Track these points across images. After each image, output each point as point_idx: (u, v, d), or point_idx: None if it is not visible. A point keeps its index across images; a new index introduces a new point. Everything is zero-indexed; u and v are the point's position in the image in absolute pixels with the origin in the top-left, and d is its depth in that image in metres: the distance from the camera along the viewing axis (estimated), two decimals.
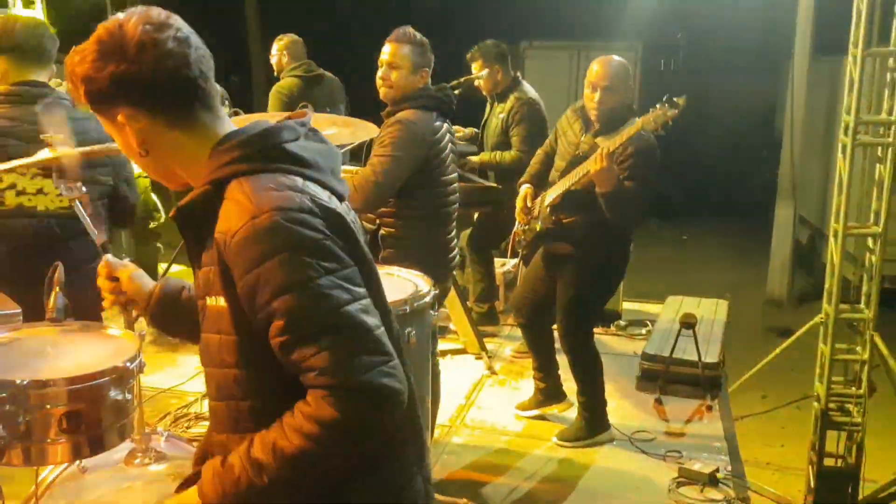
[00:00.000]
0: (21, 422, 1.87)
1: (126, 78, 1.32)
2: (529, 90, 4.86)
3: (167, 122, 1.37)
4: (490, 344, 4.94)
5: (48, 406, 1.93)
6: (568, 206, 3.55)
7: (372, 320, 1.28)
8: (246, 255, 1.25)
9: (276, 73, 5.63)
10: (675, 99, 3.13)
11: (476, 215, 5.11)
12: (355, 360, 1.23)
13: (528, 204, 3.75)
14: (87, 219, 2.09)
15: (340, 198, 1.46)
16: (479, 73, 4.79)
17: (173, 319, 1.77)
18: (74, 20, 7.52)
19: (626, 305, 5.63)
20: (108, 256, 1.86)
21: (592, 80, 3.44)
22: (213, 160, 1.36)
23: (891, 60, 4.04)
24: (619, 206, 3.31)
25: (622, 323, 5.39)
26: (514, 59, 5.09)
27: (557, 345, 3.83)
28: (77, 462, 2.17)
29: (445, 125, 3.19)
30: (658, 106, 3.16)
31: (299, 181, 1.34)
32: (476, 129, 5.15)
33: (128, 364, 2.00)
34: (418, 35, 3.10)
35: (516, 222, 3.84)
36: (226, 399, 1.41)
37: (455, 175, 3.30)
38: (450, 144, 3.22)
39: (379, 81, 3.10)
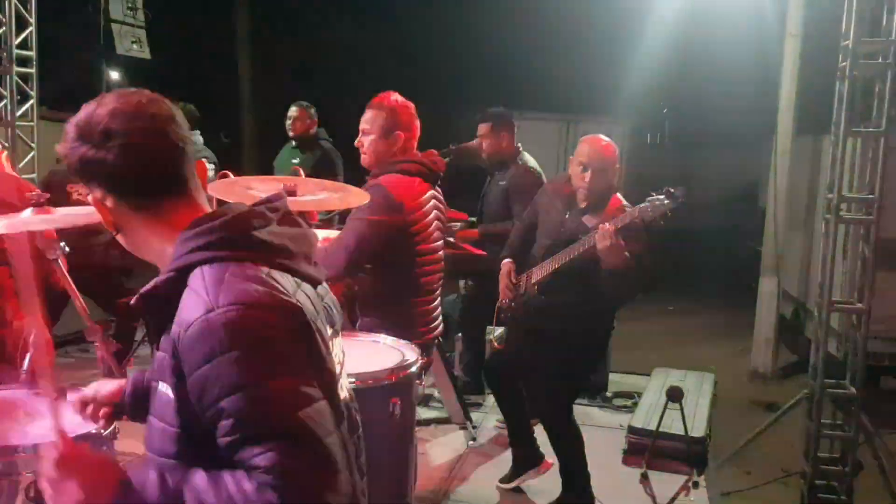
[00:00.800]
0: None
1: (92, 162, 1.33)
2: (531, 160, 4.86)
3: (133, 207, 1.38)
4: (475, 414, 4.87)
5: (16, 473, 1.88)
6: (556, 284, 3.56)
7: (324, 428, 1.23)
8: (198, 349, 1.22)
9: (293, 135, 5.77)
10: (672, 191, 3.12)
11: (464, 283, 5.10)
12: (300, 470, 1.18)
13: (513, 280, 3.75)
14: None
15: (314, 282, 1.44)
16: (472, 142, 4.82)
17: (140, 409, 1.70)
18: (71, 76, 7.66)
19: (613, 377, 5.59)
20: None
21: (584, 160, 3.47)
22: (179, 246, 1.34)
23: (871, 140, 4.13)
24: (622, 284, 3.31)
25: (608, 395, 5.34)
26: None
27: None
28: None
29: (431, 192, 3.18)
30: (656, 195, 3.15)
31: (264, 271, 1.32)
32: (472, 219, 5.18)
33: (102, 431, 1.96)
34: (393, 99, 3.09)
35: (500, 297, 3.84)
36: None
37: (440, 243, 3.26)
38: (434, 212, 3.19)
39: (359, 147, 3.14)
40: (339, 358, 1.53)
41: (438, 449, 4.38)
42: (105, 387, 1.74)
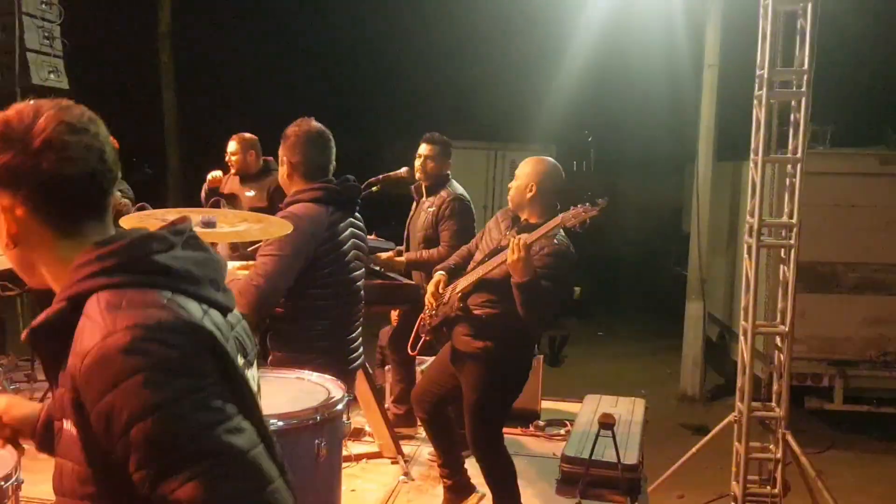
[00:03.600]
0: None
1: (20, 170, 1.22)
2: (459, 188, 4.85)
3: (46, 222, 1.26)
4: (407, 447, 4.75)
5: None
6: (479, 295, 3.51)
7: (243, 442, 1.15)
8: (98, 378, 1.12)
9: (234, 172, 5.59)
10: (597, 200, 3.17)
11: (396, 314, 5.00)
12: (226, 488, 1.10)
13: (440, 290, 3.67)
14: None
15: (223, 309, 1.34)
16: (399, 171, 4.77)
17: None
18: None
19: (545, 404, 5.56)
20: None
21: (520, 175, 3.49)
22: (72, 273, 1.24)
23: (788, 166, 4.26)
24: (532, 301, 3.27)
25: (541, 423, 5.29)
26: None
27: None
28: None
29: (349, 220, 3.08)
30: (580, 205, 3.19)
31: (166, 296, 1.22)
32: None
33: (1, 483, 1.80)
34: (302, 127, 3.00)
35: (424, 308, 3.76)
36: None
37: (359, 273, 3.17)
38: (352, 240, 3.10)
39: None
40: (254, 390, 1.42)
41: (369, 485, 4.25)
42: (17, 407, 1.57)
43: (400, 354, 4.99)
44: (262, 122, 6.16)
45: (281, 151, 3.00)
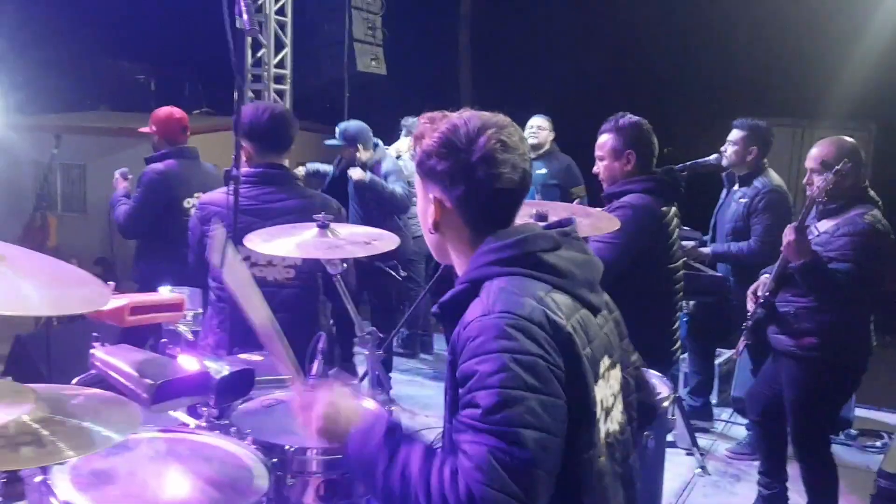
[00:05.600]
0: (286, 485, 2.03)
1: (457, 175, 1.47)
2: (775, 177, 4.58)
3: (465, 220, 1.50)
4: (703, 441, 4.69)
5: (308, 472, 2.08)
6: (786, 290, 3.38)
7: (539, 458, 1.27)
8: (469, 346, 1.34)
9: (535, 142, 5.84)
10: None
11: (689, 304, 4.91)
12: (496, 477, 1.24)
13: (760, 291, 3.55)
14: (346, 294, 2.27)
15: (593, 310, 1.49)
16: (710, 157, 4.63)
17: None
18: (319, 92, 8.33)
19: (859, 412, 5.13)
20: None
21: (811, 163, 3.33)
22: (474, 259, 1.47)
23: None
24: (815, 285, 3.17)
25: (853, 432, 4.91)
26: None
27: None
28: None
29: (673, 209, 3.12)
30: None
31: (543, 290, 1.40)
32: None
33: None
34: (624, 119, 3.08)
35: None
36: None
37: (681, 262, 3.22)
38: (676, 231, 3.15)
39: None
40: (615, 390, 1.55)
41: (665, 474, 4.27)
42: (347, 400, 1.55)
43: (699, 345, 4.91)
44: (554, 107, 6.29)
45: (612, 141, 3.08)
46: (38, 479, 1.70)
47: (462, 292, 1.46)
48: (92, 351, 2.04)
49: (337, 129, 5.51)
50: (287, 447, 2.04)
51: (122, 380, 1.92)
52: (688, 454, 4.49)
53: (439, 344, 6.23)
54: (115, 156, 4.45)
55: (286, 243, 2.53)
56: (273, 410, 2.28)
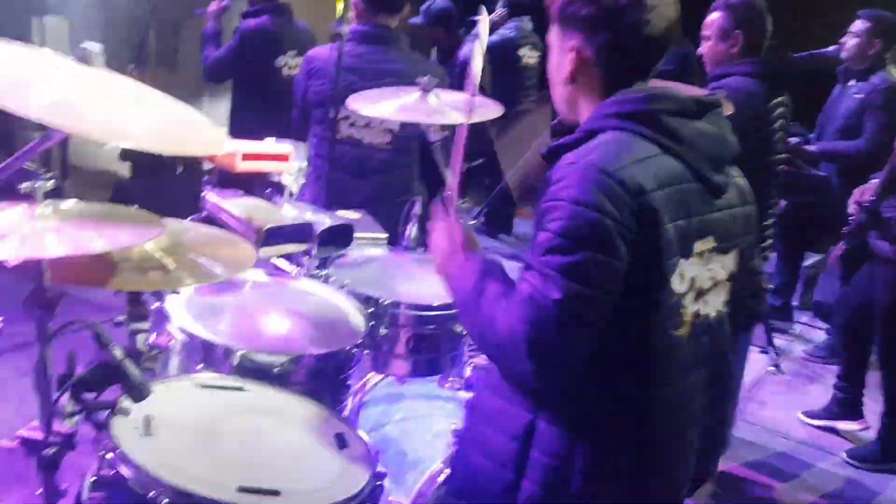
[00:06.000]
0: (379, 334, 2.14)
1: (603, 20, 1.41)
2: None
3: (604, 70, 1.45)
4: (779, 341, 4.66)
5: (400, 325, 2.18)
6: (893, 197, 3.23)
7: (573, 307, 1.28)
8: (554, 185, 1.34)
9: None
10: None
11: (788, 204, 4.75)
12: (533, 316, 1.28)
13: (867, 196, 3.40)
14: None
15: (715, 190, 1.45)
16: (830, 48, 4.34)
17: None
18: None
19: None
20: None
21: None
22: (595, 110, 1.44)
23: None
24: None
25: None
26: None
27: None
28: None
29: (781, 98, 2.96)
30: None
31: (650, 151, 1.36)
32: None
33: None
34: None
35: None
36: None
37: (782, 157, 3.09)
38: (781, 122, 2.99)
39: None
40: (717, 275, 1.50)
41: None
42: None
43: (789, 246, 4.80)
44: None
45: (721, 20, 2.90)
46: (156, 305, 1.84)
47: (575, 139, 1.43)
48: (204, 193, 2.14)
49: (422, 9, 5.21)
50: (381, 300, 2.13)
51: (232, 222, 2.02)
52: (762, 352, 4.48)
53: (522, 228, 6.28)
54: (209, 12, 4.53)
55: (387, 106, 2.53)
56: (368, 265, 2.37)
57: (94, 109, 1.34)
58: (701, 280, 1.46)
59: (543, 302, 1.28)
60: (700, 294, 1.47)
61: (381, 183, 3.01)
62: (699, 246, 1.44)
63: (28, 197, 1.37)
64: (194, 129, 1.57)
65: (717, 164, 1.46)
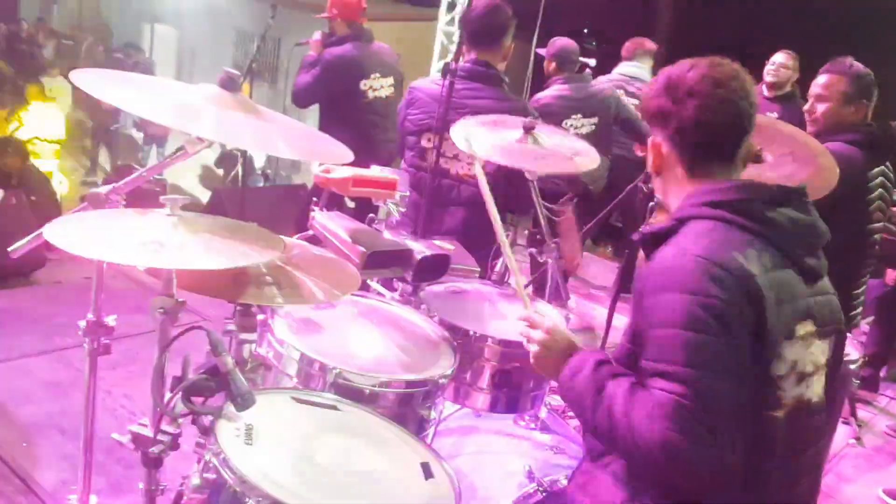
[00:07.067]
0: (465, 365, 2.16)
1: (668, 113, 1.50)
2: None
3: (681, 158, 1.53)
4: (863, 413, 4.49)
5: (486, 358, 2.20)
6: None
7: (723, 402, 1.28)
8: (655, 279, 1.37)
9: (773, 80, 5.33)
10: None
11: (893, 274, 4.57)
12: (685, 424, 1.26)
13: None
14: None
15: (810, 274, 1.47)
16: None
17: None
18: None
19: None
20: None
21: None
22: (686, 199, 1.49)
23: None
24: None
25: None
26: None
27: None
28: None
29: (881, 168, 2.92)
30: None
31: (746, 240, 1.39)
32: None
33: None
34: (857, 66, 2.92)
35: None
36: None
37: (880, 226, 3.01)
38: (880, 191, 2.93)
39: (806, 115, 2.98)
40: (817, 360, 1.50)
41: None
42: (562, 332, 1.66)
43: (887, 317, 4.62)
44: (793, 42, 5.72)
45: (844, 85, 2.90)
46: (261, 317, 1.91)
47: (667, 228, 1.47)
48: (312, 213, 2.22)
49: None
50: (471, 332, 2.15)
51: (336, 243, 2.09)
52: (844, 423, 4.32)
53: (595, 267, 6.24)
54: (309, 30, 4.69)
55: (485, 142, 2.55)
56: (459, 296, 2.40)
57: (245, 126, 1.45)
58: (802, 363, 1.47)
59: (696, 408, 1.27)
60: (802, 378, 1.47)
61: (466, 214, 3.06)
62: (800, 329, 1.45)
63: (162, 207, 1.47)
64: (322, 142, 1.69)
65: (811, 250, 1.49)
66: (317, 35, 4.54)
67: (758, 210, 1.43)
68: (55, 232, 1.40)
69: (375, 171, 2.25)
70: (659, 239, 1.47)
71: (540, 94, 4.69)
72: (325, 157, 1.74)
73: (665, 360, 1.32)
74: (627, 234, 5.05)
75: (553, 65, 4.77)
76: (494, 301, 2.45)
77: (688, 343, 1.30)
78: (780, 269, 1.42)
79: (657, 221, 1.62)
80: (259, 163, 7.73)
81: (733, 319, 1.32)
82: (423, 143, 3.02)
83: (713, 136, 1.50)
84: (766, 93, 5.31)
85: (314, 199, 2.24)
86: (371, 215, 2.29)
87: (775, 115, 5.20)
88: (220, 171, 7.95)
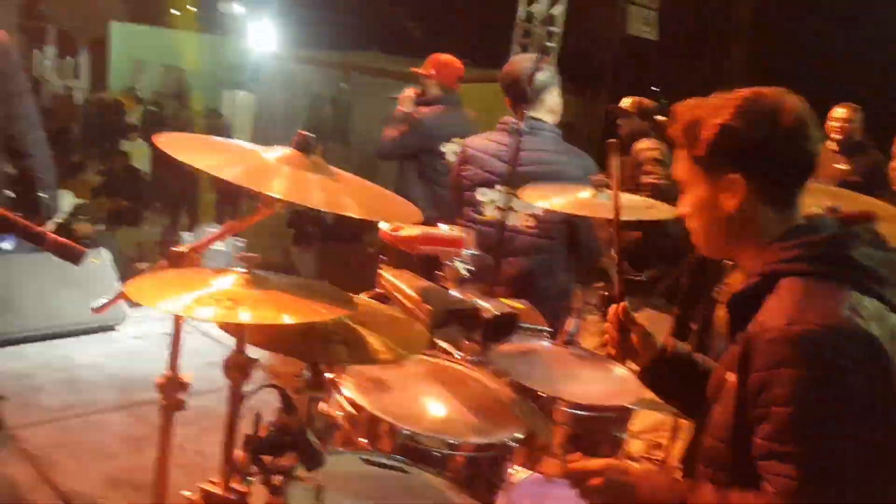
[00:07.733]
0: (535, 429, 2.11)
1: (753, 154, 1.38)
2: None
3: (763, 198, 1.40)
4: None
5: (557, 422, 2.15)
6: None
7: (853, 488, 1.18)
8: (770, 353, 1.26)
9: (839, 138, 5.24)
10: None
11: None
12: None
13: None
14: None
15: None
16: None
17: (667, 383, 1.75)
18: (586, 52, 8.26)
19: None
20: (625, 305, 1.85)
21: None
22: (772, 252, 1.39)
23: None
24: None
25: None
26: None
27: None
28: None
29: None
30: None
31: (853, 296, 1.29)
32: None
33: (633, 407, 2.14)
34: None
35: None
36: (710, 462, 1.42)
37: None
38: None
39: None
40: None
41: None
42: (649, 338, 1.74)
43: None
44: (833, 97, 5.61)
45: None
46: (330, 375, 1.91)
47: (756, 285, 1.39)
48: (380, 270, 2.23)
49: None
50: (540, 393, 2.11)
51: (404, 301, 2.09)
52: None
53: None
54: (378, 95, 4.75)
55: (560, 198, 2.54)
56: (528, 357, 2.36)
57: (317, 186, 1.50)
58: None
59: (823, 497, 1.19)
60: None
61: (522, 266, 3.04)
62: None
63: (237, 264, 1.50)
64: (391, 202, 1.71)
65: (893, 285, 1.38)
66: (408, 91, 4.56)
67: (856, 259, 1.34)
68: (135, 288, 1.44)
69: (443, 230, 2.26)
70: (751, 299, 1.38)
71: None
72: (394, 218, 1.74)
73: (787, 441, 1.22)
74: (690, 291, 4.92)
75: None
76: (567, 361, 2.40)
77: (806, 420, 1.22)
78: (888, 319, 1.32)
79: (734, 280, 1.53)
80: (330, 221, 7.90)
81: (860, 390, 1.22)
82: (479, 197, 3.06)
83: (776, 180, 1.40)
84: (832, 146, 5.18)
85: (381, 256, 2.26)
86: (437, 272, 2.28)
87: (844, 166, 5.06)
88: (291, 231, 8.15)
